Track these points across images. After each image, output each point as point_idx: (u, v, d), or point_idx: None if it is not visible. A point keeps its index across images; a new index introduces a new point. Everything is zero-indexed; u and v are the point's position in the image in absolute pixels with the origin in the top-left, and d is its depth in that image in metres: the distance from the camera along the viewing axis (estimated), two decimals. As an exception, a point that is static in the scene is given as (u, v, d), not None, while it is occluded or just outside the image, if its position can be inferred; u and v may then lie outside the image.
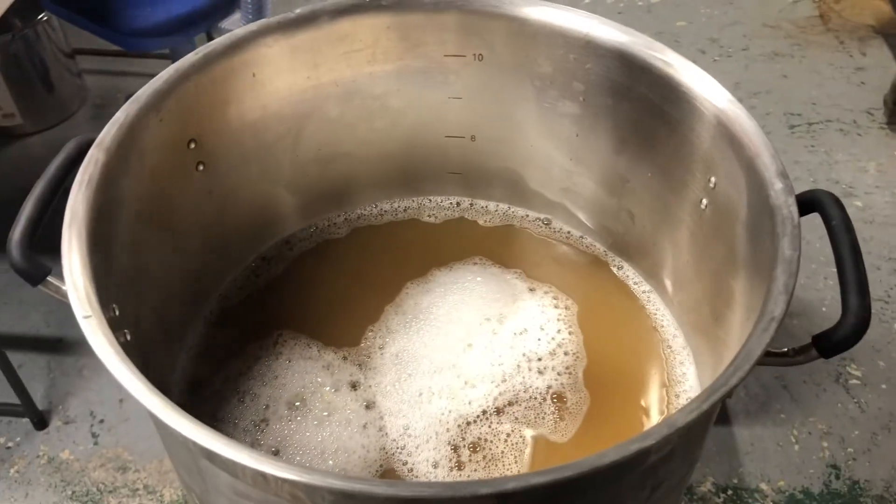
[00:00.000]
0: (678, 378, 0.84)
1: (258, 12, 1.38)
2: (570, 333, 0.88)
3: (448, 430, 0.81)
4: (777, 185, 0.66)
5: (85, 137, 0.72)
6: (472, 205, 1.02)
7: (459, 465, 0.78)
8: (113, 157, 0.71)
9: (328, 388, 0.84)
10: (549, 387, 0.83)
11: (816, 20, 1.97)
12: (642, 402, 0.84)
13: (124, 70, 1.84)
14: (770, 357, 0.62)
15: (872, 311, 1.36)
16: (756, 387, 1.25)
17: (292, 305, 0.92)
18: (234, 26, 1.39)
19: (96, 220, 0.67)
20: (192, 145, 0.82)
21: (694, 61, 0.78)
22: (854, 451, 1.17)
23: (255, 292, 0.93)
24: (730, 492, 1.13)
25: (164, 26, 1.37)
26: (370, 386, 0.84)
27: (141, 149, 0.75)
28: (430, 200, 1.02)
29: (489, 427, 0.81)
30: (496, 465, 0.78)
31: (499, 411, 0.82)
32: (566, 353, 0.86)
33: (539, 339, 0.87)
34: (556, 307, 0.90)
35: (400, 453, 0.79)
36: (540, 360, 0.85)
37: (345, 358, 0.87)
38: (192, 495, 0.71)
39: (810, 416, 1.21)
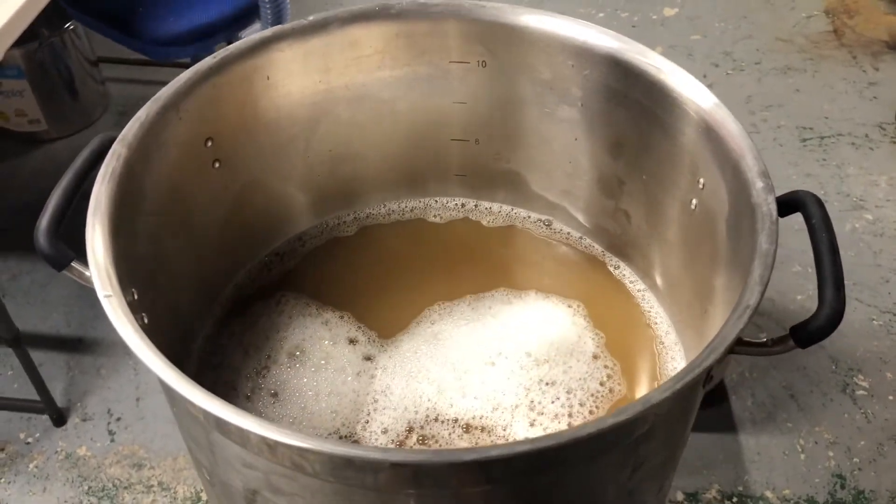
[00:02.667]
0: (669, 373, 0.85)
1: (277, 22, 1.41)
2: (590, 413, 0.83)
3: (416, 412, 0.82)
4: (758, 185, 0.68)
5: (109, 134, 0.75)
6: (476, 206, 1.03)
7: (400, 445, 0.80)
8: (134, 152, 0.74)
9: (327, 342, 0.87)
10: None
11: (830, 35, 1.97)
12: (635, 397, 0.86)
13: (146, 78, 1.85)
14: (750, 346, 0.64)
15: (881, 323, 1.37)
16: (763, 395, 1.25)
17: (305, 292, 0.94)
18: (255, 36, 1.43)
19: (118, 210, 0.70)
20: (209, 143, 0.84)
21: (707, 74, 0.79)
22: (860, 462, 1.18)
23: (267, 284, 0.95)
24: (735, 499, 1.14)
25: (186, 36, 1.39)
26: (383, 346, 0.87)
27: (161, 145, 0.78)
28: (436, 201, 1.03)
29: (448, 434, 0.81)
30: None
31: (467, 428, 0.81)
32: (570, 426, 0.82)
33: (557, 399, 0.83)
34: (601, 384, 0.85)
35: (371, 405, 0.82)
36: (542, 414, 0.82)
37: (341, 317, 0.90)
38: (202, 471, 0.74)
39: (816, 425, 1.22)
